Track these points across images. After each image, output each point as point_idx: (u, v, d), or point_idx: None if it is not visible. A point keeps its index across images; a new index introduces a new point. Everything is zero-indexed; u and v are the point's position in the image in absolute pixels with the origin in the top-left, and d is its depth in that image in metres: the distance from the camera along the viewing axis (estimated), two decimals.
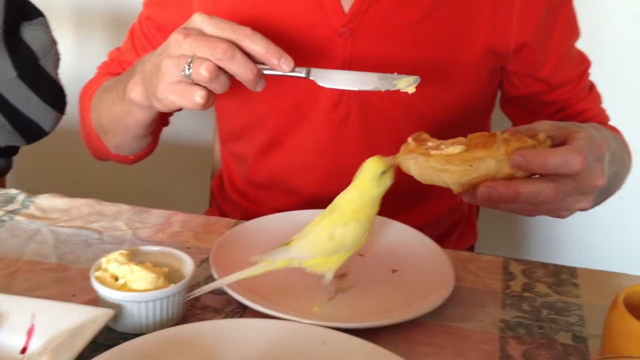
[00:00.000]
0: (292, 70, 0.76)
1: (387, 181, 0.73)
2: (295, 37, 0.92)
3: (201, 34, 0.75)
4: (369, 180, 0.73)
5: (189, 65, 0.74)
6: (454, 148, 0.72)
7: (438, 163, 0.71)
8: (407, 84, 0.78)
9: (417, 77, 0.78)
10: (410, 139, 0.75)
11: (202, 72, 0.73)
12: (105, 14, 1.80)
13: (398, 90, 0.78)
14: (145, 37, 1.03)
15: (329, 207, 0.75)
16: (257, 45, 0.74)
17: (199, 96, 0.75)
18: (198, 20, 0.76)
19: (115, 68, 1.07)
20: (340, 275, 0.80)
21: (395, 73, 0.78)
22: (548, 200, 0.71)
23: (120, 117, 0.93)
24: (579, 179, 0.71)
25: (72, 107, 1.28)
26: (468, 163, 0.70)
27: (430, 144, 0.74)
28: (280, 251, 0.74)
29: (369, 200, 0.73)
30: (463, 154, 0.71)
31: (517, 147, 0.70)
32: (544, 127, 0.76)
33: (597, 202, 0.98)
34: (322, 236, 0.73)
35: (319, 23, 0.91)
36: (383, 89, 0.78)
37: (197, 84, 0.75)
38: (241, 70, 0.74)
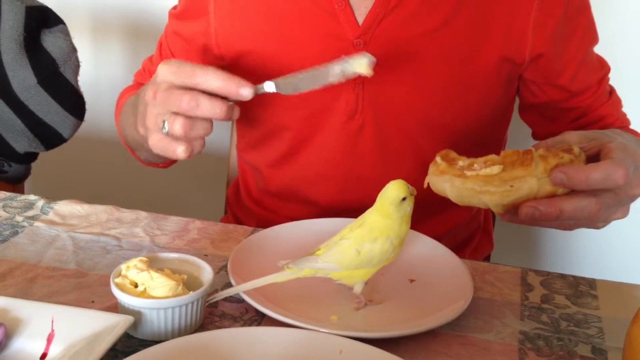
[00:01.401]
0: (256, 93, 0.77)
1: (408, 207, 0.74)
2: (309, 47, 0.92)
3: (167, 87, 0.76)
4: (389, 205, 0.73)
5: (163, 124, 0.77)
6: (491, 169, 0.70)
7: (477, 185, 0.70)
8: (360, 66, 0.78)
9: (367, 55, 0.78)
10: (439, 159, 0.74)
11: (177, 129, 0.75)
12: (122, 22, 1.82)
13: (361, 77, 0.79)
14: (170, 50, 1.05)
15: (358, 220, 0.75)
16: (214, 82, 0.75)
17: (180, 150, 0.77)
18: (162, 72, 0.77)
19: (147, 78, 1.08)
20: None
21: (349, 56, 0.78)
22: (591, 216, 0.71)
23: (139, 141, 0.93)
24: (619, 191, 0.71)
25: (91, 114, 1.29)
26: (508, 184, 0.69)
27: (461, 163, 0.73)
28: (307, 260, 0.74)
29: (395, 221, 0.73)
30: (502, 174, 0.70)
31: (555, 164, 0.69)
32: (573, 138, 0.76)
33: None
34: (349, 250, 0.73)
35: (333, 34, 0.92)
36: (342, 78, 0.78)
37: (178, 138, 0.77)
38: (209, 113, 0.75)
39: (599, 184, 0.69)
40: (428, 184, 0.74)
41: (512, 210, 0.71)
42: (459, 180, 0.71)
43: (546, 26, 0.92)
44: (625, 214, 0.75)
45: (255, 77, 0.96)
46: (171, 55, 1.04)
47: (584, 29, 0.97)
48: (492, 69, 0.94)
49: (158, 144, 0.78)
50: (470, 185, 0.70)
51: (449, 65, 0.92)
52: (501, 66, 0.94)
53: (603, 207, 0.71)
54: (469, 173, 0.71)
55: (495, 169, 0.70)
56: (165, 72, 0.77)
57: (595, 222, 0.75)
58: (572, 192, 0.71)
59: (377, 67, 0.91)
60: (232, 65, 0.99)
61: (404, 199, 0.73)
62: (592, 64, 1.00)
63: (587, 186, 0.69)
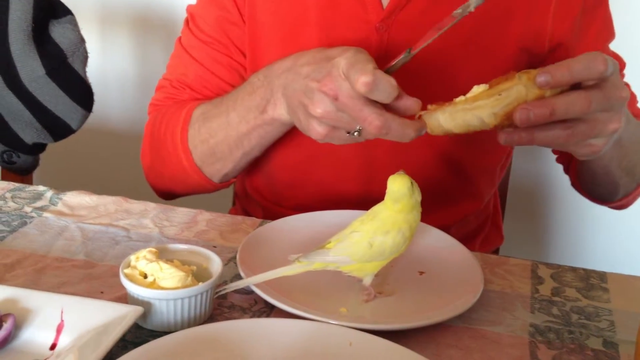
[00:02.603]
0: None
1: (416, 196, 0.74)
2: (332, 28, 0.92)
3: (351, 95, 0.72)
4: (397, 197, 0.73)
5: (357, 132, 0.75)
6: (477, 88, 0.73)
7: (467, 104, 0.72)
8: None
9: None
10: (430, 105, 0.75)
11: (371, 137, 0.74)
12: (130, 14, 1.81)
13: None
14: (218, 40, 1.00)
15: (369, 213, 0.75)
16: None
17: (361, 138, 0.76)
18: (342, 69, 0.73)
19: (181, 94, 1.03)
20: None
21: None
22: (583, 111, 0.70)
23: (245, 139, 0.91)
24: (604, 85, 0.71)
25: (98, 105, 1.29)
26: (497, 93, 0.71)
27: (447, 103, 0.74)
28: (318, 254, 0.74)
29: (405, 212, 0.73)
30: (488, 90, 0.72)
31: (538, 72, 0.71)
32: None
33: (628, 188, 0.96)
34: (361, 243, 0.73)
35: (357, 17, 0.91)
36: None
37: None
38: (399, 139, 0.73)
39: (582, 73, 0.69)
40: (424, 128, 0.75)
41: (508, 125, 0.72)
42: (449, 107, 0.73)
43: (566, 17, 0.92)
44: (619, 123, 0.74)
45: (267, 49, 0.95)
46: (221, 46, 1.00)
47: (602, 22, 0.98)
48: (510, 59, 0.93)
49: (334, 135, 0.77)
50: (461, 106, 0.72)
51: (468, 54, 0.92)
52: (520, 56, 0.94)
53: (594, 103, 0.70)
54: (457, 99, 0.73)
55: (482, 87, 0.73)
56: (344, 66, 0.72)
57: (592, 132, 0.73)
58: (561, 92, 0.71)
59: (396, 53, 0.91)
60: (250, 34, 0.97)
61: (409, 188, 0.72)
62: None
63: (570, 77, 0.69)
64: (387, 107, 0.73)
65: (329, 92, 0.73)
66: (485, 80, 0.94)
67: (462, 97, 0.74)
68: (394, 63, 0.76)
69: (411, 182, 0.73)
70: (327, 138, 0.77)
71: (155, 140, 1.02)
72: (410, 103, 0.73)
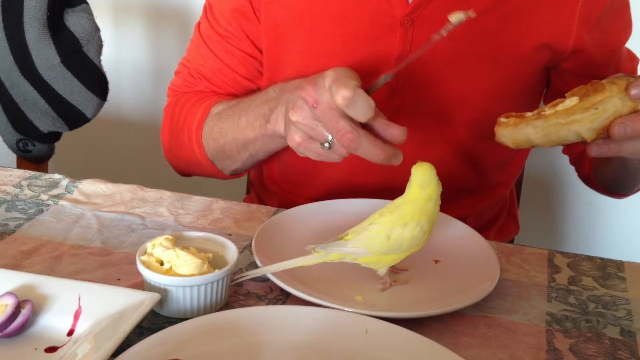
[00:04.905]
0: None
1: (437, 189, 0.73)
2: (356, 23, 0.91)
3: (330, 106, 0.73)
4: (419, 188, 0.72)
5: (328, 145, 0.76)
6: (570, 101, 0.72)
7: (561, 119, 0.72)
8: (457, 18, 0.74)
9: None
10: (503, 118, 0.75)
11: (343, 154, 0.76)
12: (143, 3, 1.81)
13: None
14: (233, 34, 1.00)
15: (389, 205, 0.75)
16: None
17: (337, 158, 0.77)
18: (329, 78, 0.74)
19: (198, 84, 1.04)
20: (403, 269, 0.79)
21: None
22: None
23: (251, 144, 0.93)
24: None
25: (111, 94, 1.29)
26: (593, 108, 0.71)
27: (529, 114, 0.74)
28: (335, 245, 0.74)
29: (424, 204, 0.73)
30: (581, 103, 0.72)
31: (625, 84, 0.71)
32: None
33: None
34: (379, 235, 0.73)
35: (382, 11, 0.90)
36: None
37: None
38: (368, 157, 0.74)
39: None
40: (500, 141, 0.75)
41: (602, 136, 0.72)
42: (540, 121, 0.72)
43: (591, 17, 0.92)
44: None
45: (287, 45, 0.95)
46: (236, 40, 1.00)
47: (626, 22, 0.98)
48: (533, 56, 0.93)
49: (308, 146, 0.78)
50: (554, 121, 0.72)
51: (491, 49, 0.91)
52: (541, 53, 0.93)
53: None
54: (548, 112, 0.72)
55: (574, 100, 0.72)
56: (330, 78, 0.74)
57: None
58: None
59: (419, 48, 0.91)
60: (267, 32, 0.97)
61: (435, 174, 0.72)
62: (624, 56, 1.01)
63: None
64: (376, 134, 0.74)
65: (309, 100, 0.75)
66: (508, 76, 0.93)
67: (550, 110, 0.73)
68: (373, 85, 0.77)
69: (435, 174, 0.73)
70: (301, 147, 0.78)
71: (174, 128, 1.04)
72: (396, 132, 0.73)
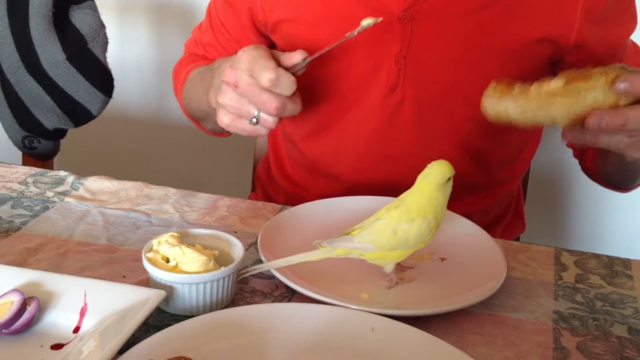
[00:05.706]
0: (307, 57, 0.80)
1: (450, 187, 0.73)
2: (352, 18, 0.91)
3: (249, 83, 0.78)
4: (433, 185, 0.72)
5: (256, 119, 0.81)
6: (555, 82, 0.72)
7: (542, 99, 0.71)
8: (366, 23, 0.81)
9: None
10: (493, 84, 0.75)
11: (271, 126, 0.81)
12: (148, 1, 1.81)
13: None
14: (219, 20, 1.06)
15: (395, 201, 0.75)
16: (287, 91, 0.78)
17: (264, 132, 0.82)
18: (243, 59, 0.79)
19: (198, 49, 1.11)
20: (408, 267, 0.79)
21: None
22: None
23: (209, 113, 0.97)
24: None
25: (116, 92, 1.29)
26: (574, 94, 0.71)
27: (518, 86, 0.73)
28: (342, 240, 0.73)
29: (436, 202, 0.73)
30: (565, 87, 0.71)
31: (615, 76, 0.70)
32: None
33: None
34: (386, 230, 0.72)
35: (379, 7, 0.90)
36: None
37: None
38: (295, 113, 0.80)
39: None
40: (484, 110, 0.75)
41: (577, 124, 0.72)
42: (522, 97, 0.72)
43: (594, 10, 0.91)
44: None
45: (293, 46, 0.95)
46: (220, 24, 1.06)
47: (631, 14, 0.97)
48: (535, 50, 0.92)
49: (238, 125, 0.82)
50: (535, 100, 0.71)
51: (491, 44, 0.91)
52: (543, 48, 0.92)
53: None
54: (532, 90, 0.72)
55: (559, 82, 0.72)
56: (245, 60, 0.79)
57: None
58: (636, 103, 0.71)
59: (420, 43, 0.90)
60: (272, 32, 0.99)
61: (449, 179, 0.72)
62: (629, 50, 1.00)
63: None
64: None
65: (230, 82, 0.80)
66: (511, 71, 0.93)
67: (535, 86, 0.73)
68: (292, 66, 0.80)
69: (452, 173, 0.73)
70: (231, 127, 0.83)
71: (173, 81, 1.13)
72: (297, 58, 0.79)
